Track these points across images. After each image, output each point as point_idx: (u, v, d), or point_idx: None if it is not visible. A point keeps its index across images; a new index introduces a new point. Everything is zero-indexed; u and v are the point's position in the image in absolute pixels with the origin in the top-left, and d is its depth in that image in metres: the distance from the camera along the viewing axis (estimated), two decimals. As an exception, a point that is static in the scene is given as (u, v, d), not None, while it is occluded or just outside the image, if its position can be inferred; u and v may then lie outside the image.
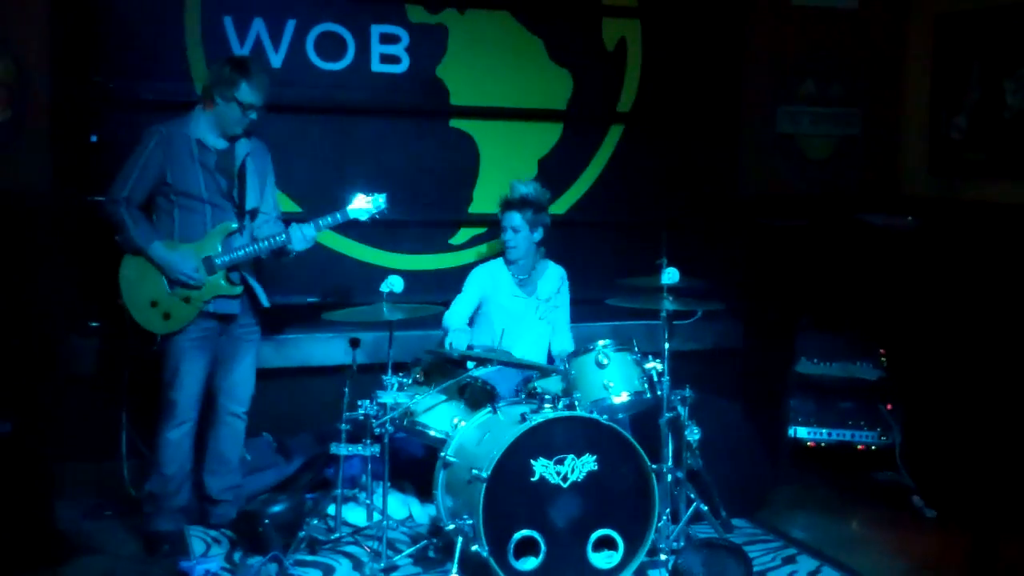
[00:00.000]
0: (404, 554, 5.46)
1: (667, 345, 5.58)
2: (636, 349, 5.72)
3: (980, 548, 5.59)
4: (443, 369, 5.80)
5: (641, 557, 5.15)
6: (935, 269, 7.06)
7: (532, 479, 5.02)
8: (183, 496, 5.78)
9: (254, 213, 5.78)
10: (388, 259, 6.96)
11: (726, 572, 5.10)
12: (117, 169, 5.61)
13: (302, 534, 5.48)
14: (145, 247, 5.54)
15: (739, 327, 7.54)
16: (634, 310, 5.92)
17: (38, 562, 5.28)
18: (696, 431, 5.50)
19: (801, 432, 6.89)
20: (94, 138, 6.32)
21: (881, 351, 6.99)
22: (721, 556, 5.14)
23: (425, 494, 5.87)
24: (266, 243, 5.67)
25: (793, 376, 7.01)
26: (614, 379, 5.61)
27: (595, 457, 5.10)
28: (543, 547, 4.99)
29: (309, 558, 5.46)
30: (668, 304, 5.60)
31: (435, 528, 5.65)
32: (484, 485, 4.92)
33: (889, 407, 6.87)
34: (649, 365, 5.66)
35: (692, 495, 5.63)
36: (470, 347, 6.14)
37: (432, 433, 5.62)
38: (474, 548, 4.97)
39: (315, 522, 5.65)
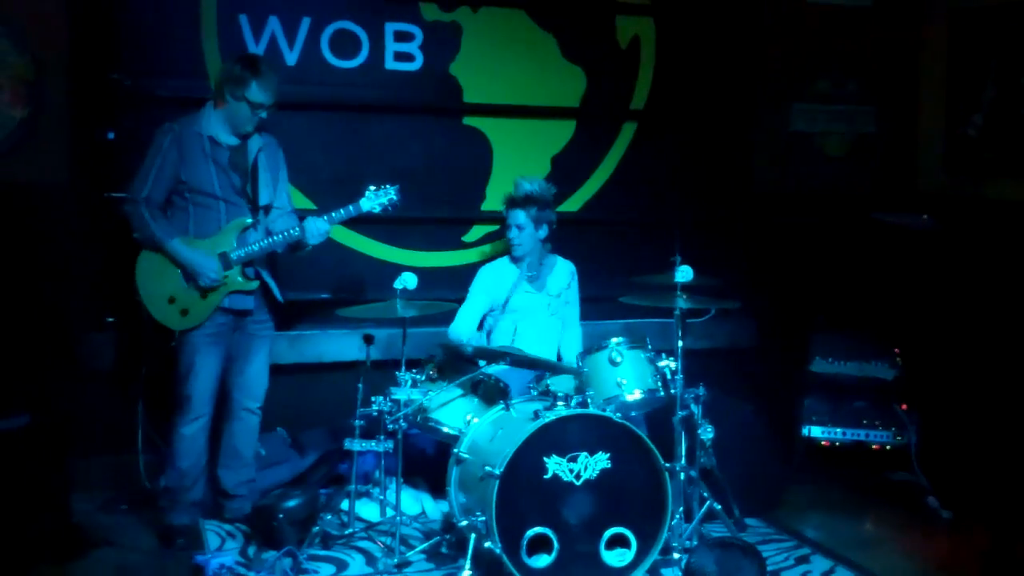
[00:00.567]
0: (417, 550, 5.47)
1: (680, 343, 5.58)
2: (649, 347, 5.72)
3: (996, 549, 5.58)
4: (456, 366, 5.82)
5: (654, 555, 5.15)
6: (951, 268, 7.02)
7: (545, 476, 5.02)
8: (198, 490, 5.81)
9: (268, 208, 5.80)
10: (401, 256, 6.97)
11: (739, 571, 5.09)
12: (134, 165, 5.65)
13: (316, 529, 5.51)
14: (165, 244, 5.56)
15: (753, 325, 7.53)
16: (647, 308, 5.90)
17: (54, 555, 5.32)
18: (710, 429, 5.50)
19: (815, 431, 6.88)
20: (111, 135, 6.36)
21: (896, 350, 6.96)
22: (734, 555, 5.13)
23: (438, 490, 5.89)
24: (280, 236, 5.69)
25: (807, 375, 6.99)
26: (627, 377, 5.61)
27: (608, 455, 5.10)
28: (556, 544, 4.99)
29: (323, 553, 5.48)
30: (682, 302, 5.59)
31: (448, 524, 5.66)
32: (497, 482, 4.92)
33: (904, 407, 6.85)
34: (662, 363, 5.66)
35: (705, 494, 5.63)
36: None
37: (445, 430, 5.63)
38: (487, 544, 4.98)
39: (329, 517, 5.68)
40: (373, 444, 5.54)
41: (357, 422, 5.59)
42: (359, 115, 6.86)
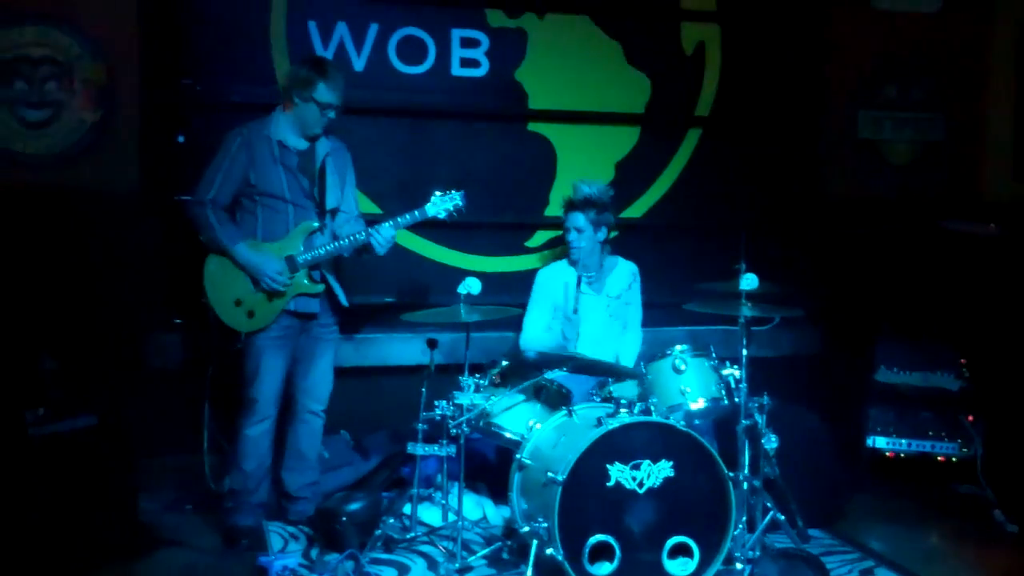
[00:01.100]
0: (478, 555, 5.47)
1: (745, 351, 5.55)
2: (713, 355, 5.70)
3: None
4: (519, 371, 5.82)
5: (717, 565, 5.11)
6: (1018, 277, 6.95)
7: (608, 484, 5.01)
8: (262, 492, 5.86)
9: (335, 212, 5.85)
10: (465, 260, 7.01)
11: (802, 582, 5.08)
12: (203, 169, 5.70)
13: (378, 532, 5.53)
14: (230, 247, 5.62)
15: (817, 334, 7.48)
16: (711, 315, 5.88)
17: (121, 553, 5.38)
18: (774, 439, 5.45)
19: (880, 442, 6.83)
20: (181, 139, 6.45)
21: (962, 361, 6.89)
22: (798, 566, 5.10)
23: (499, 495, 5.91)
24: (347, 241, 5.72)
25: (872, 385, 6.93)
26: (691, 385, 5.59)
27: (671, 463, 5.07)
28: (618, 552, 4.97)
29: (385, 556, 5.51)
30: (746, 310, 5.55)
31: (509, 530, 5.66)
32: (560, 488, 4.91)
33: (970, 418, 6.77)
34: (726, 371, 5.63)
35: (769, 504, 5.59)
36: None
37: (508, 435, 5.62)
38: (549, 551, 4.98)
39: (391, 521, 5.69)
40: (435, 448, 5.55)
41: (420, 426, 5.60)
42: (425, 121, 6.92)
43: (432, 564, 5.47)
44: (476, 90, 6.96)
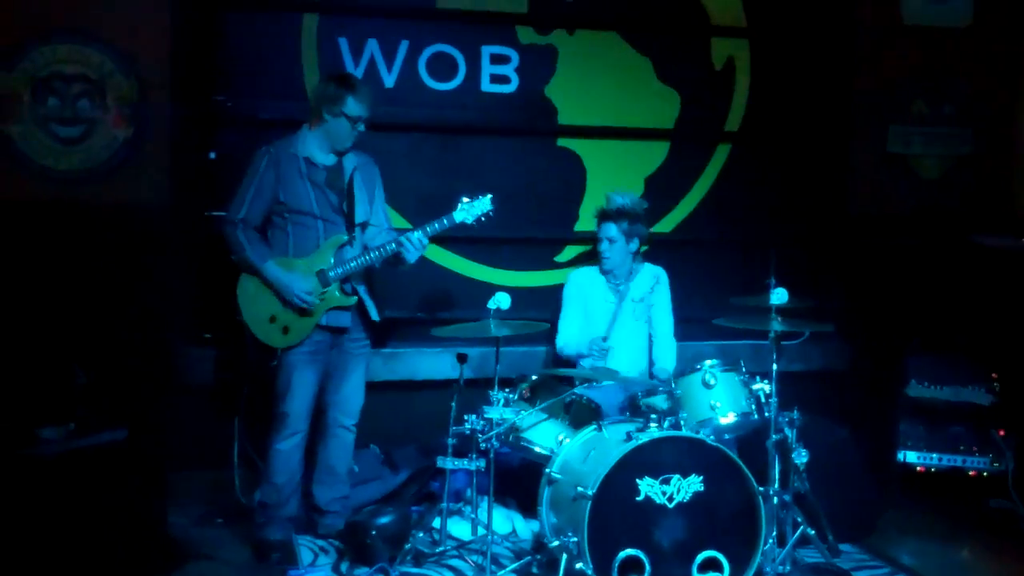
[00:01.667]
0: (508, 569, 5.48)
1: (775, 366, 5.54)
2: (743, 369, 5.69)
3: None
4: (549, 386, 5.83)
5: (747, 580, 5.13)
6: (1049, 292, 6.93)
7: (637, 498, 5.02)
8: (292, 506, 5.88)
9: (364, 225, 5.87)
10: (495, 275, 7.03)
11: (833, 597, 5.06)
12: (235, 185, 5.74)
13: (408, 546, 5.55)
14: (259, 266, 5.66)
15: (847, 348, 7.46)
16: (741, 330, 5.87)
17: (151, 567, 5.39)
18: (804, 454, 5.44)
19: (911, 456, 6.79)
20: (213, 155, 6.49)
21: (994, 375, 6.85)
22: (828, 581, 5.10)
23: (528, 510, 5.91)
24: (377, 252, 5.73)
25: (903, 399, 6.88)
26: (721, 399, 5.59)
27: (701, 478, 5.08)
28: (648, 567, 4.97)
29: (414, 570, 5.52)
30: (776, 324, 5.55)
31: (539, 544, 5.66)
32: (589, 503, 4.92)
33: (1001, 432, 6.73)
34: (756, 386, 5.62)
35: (799, 518, 5.57)
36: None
37: (537, 449, 5.63)
38: (578, 566, 4.98)
39: (421, 535, 5.72)
40: (465, 462, 5.56)
41: (449, 440, 5.63)
42: (455, 137, 6.94)
43: (462, 578, 5.50)
44: (506, 106, 6.98)
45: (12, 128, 6.25)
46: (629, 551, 4.97)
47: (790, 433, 5.47)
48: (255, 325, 5.70)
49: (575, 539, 4.99)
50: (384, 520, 5.57)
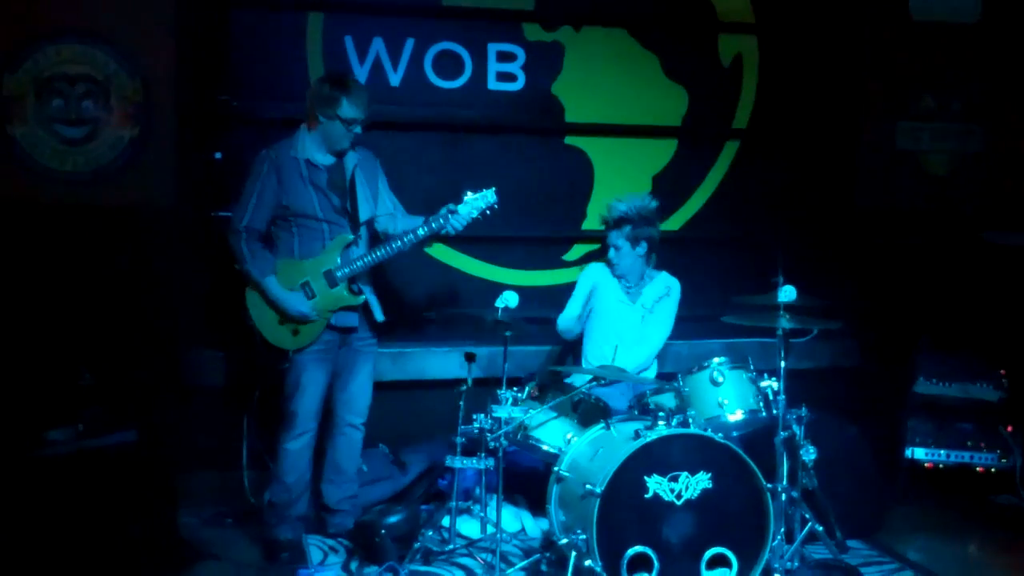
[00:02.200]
0: (517, 567, 5.48)
1: (783, 363, 5.53)
2: (751, 367, 5.69)
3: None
4: (557, 384, 5.83)
5: (755, 576, 5.12)
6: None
7: (646, 496, 5.01)
8: (302, 505, 5.87)
9: (370, 223, 5.86)
10: (502, 274, 7.04)
11: (841, 594, 5.06)
12: (240, 187, 5.73)
13: (417, 545, 5.54)
14: (260, 281, 5.64)
15: (856, 346, 7.45)
16: (748, 327, 5.86)
17: (162, 568, 5.39)
18: (812, 451, 5.43)
19: (919, 453, 6.78)
20: (218, 155, 6.49)
21: (1002, 372, 6.84)
22: (837, 577, 5.09)
23: (537, 508, 5.92)
24: (382, 251, 5.69)
25: (911, 396, 6.88)
26: (729, 397, 5.59)
27: (709, 475, 5.07)
28: (656, 564, 4.97)
29: (424, 569, 5.52)
30: (785, 322, 5.54)
31: (548, 542, 5.64)
32: (598, 500, 4.92)
33: (1010, 429, 6.73)
34: (764, 383, 5.61)
35: (807, 515, 5.57)
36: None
37: (545, 448, 5.63)
38: (587, 563, 4.97)
39: (430, 533, 5.70)
40: (474, 461, 5.55)
41: (458, 439, 5.61)
42: (462, 135, 6.94)
43: (471, 576, 5.49)
44: (513, 104, 6.98)
45: (17, 129, 6.25)
46: (638, 548, 4.97)
47: (798, 430, 5.46)
48: (265, 328, 5.69)
49: (584, 536, 4.99)
50: (393, 519, 5.57)
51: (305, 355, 5.70)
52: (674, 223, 7.26)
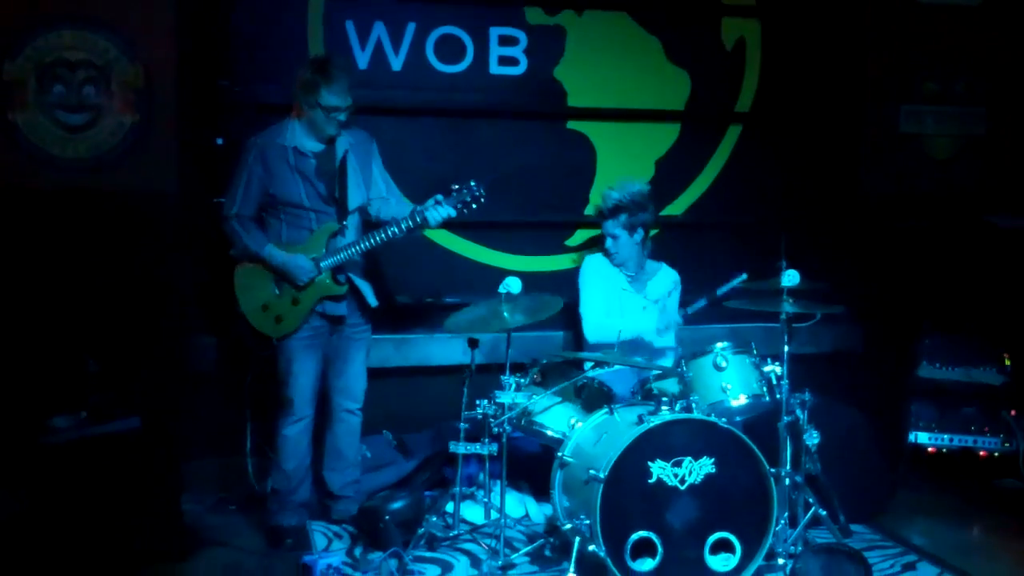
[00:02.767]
0: (521, 552, 5.49)
1: (786, 348, 5.53)
2: (755, 352, 5.69)
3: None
4: (560, 370, 5.83)
5: (759, 561, 5.11)
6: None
7: (649, 481, 5.01)
8: (304, 491, 5.90)
9: (361, 210, 5.84)
10: (505, 260, 7.01)
11: (845, 577, 5.06)
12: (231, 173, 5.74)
13: (421, 531, 5.55)
14: (260, 252, 5.66)
15: (859, 330, 7.44)
16: (752, 312, 5.86)
17: (166, 554, 5.41)
18: (815, 435, 5.44)
19: (922, 437, 6.79)
20: (220, 141, 6.45)
21: (1005, 356, 6.84)
22: (840, 561, 5.08)
23: (541, 493, 5.91)
24: (366, 243, 5.69)
25: (914, 380, 6.89)
26: (732, 382, 5.59)
27: (713, 460, 5.07)
28: (660, 549, 4.98)
29: (428, 554, 5.53)
30: (788, 306, 5.54)
31: (551, 527, 5.67)
32: (601, 485, 4.92)
33: (1013, 413, 6.74)
34: (768, 368, 5.62)
35: (810, 499, 5.57)
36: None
37: (549, 433, 5.64)
38: (591, 548, 4.99)
39: (434, 519, 5.72)
40: (477, 447, 5.57)
41: (462, 425, 5.63)
42: (464, 120, 6.90)
43: (475, 562, 5.49)
44: (515, 88, 6.94)
45: (18, 116, 6.22)
46: (641, 533, 4.98)
47: (801, 415, 5.47)
48: (250, 315, 5.72)
49: (587, 522, 4.99)
50: (397, 505, 5.58)
51: (292, 341, 5.71)
52: (677, 208, 7.24)
